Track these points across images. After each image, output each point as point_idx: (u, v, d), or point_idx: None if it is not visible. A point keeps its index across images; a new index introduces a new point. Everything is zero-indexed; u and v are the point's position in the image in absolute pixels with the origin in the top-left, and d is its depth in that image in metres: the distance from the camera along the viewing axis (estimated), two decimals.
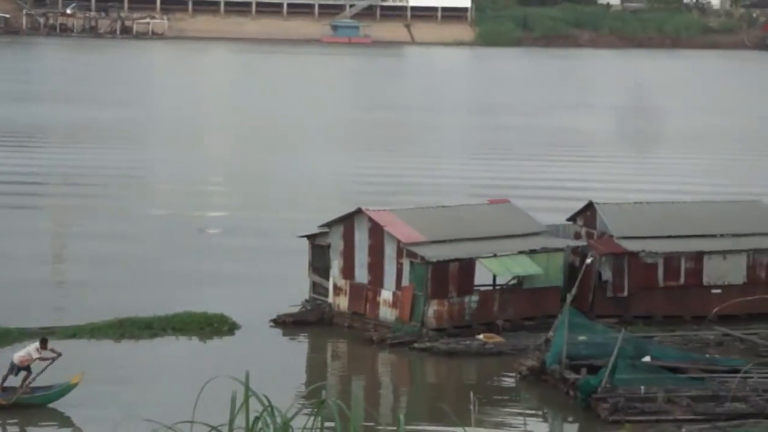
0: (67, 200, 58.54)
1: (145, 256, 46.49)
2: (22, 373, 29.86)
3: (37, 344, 30.36)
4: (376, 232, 38.06)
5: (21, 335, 34.88)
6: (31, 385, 29.83)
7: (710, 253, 39.90)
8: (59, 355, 30.07)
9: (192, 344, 36.24)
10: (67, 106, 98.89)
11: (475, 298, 37.52)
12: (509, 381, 33.47)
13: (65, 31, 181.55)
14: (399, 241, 37.37)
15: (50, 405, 29.82)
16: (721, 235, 40.71)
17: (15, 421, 29.32)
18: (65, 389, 29.65)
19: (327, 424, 8.59)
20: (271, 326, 37.93)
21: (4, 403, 29.41)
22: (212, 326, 37.18)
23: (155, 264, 45.22)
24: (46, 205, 57.62)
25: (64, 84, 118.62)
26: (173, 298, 39.15)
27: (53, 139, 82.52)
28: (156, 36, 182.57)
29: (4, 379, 29.82)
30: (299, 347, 37.45)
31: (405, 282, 37.19)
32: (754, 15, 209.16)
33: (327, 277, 39.29)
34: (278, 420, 8.47)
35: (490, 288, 38.82)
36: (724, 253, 40.00)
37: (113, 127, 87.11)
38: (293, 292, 39.45)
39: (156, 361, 34.51)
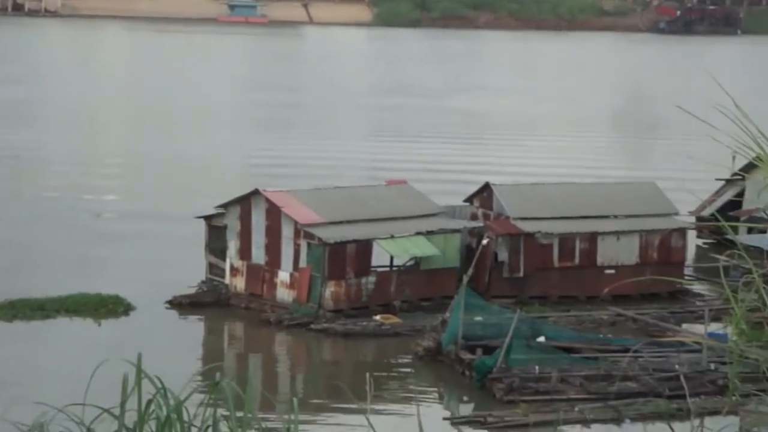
0: None
1: (38, 239, 45.81)
2: None
3: None
4: (274, 213, 37.93)
5: None
6: None
7: (604, 234, 40.44)
8: None
9: (86, 326, 35.82)
10: None
11: (372, 279, 37.58)
12: (406, 361, 33.61)
13: None
14: (296, 222, 37.28)
15: None
16: (615, 216, 41.28)
17: None
18: None
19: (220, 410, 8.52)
20: (167, 307, 37.64)
21: None
22: (107, 307, 36.78)
23: (49, 247, 44.60)
24: None
25: None
26: (67, 281, 38.64)
27: None
28: (49, 14, 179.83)
29: None
30: (195, 328, 37.21)
31: (302, 263, 37.13)
32: None
33: (224, 258, 39.07)
34: (171, 402, 8.37)
35: (388, 269, 38.92)
36: (617, 233, 40.56)
37: (4, 106, 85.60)
38: (190, 273, 39.17)
39: (49, 342, 34.03)
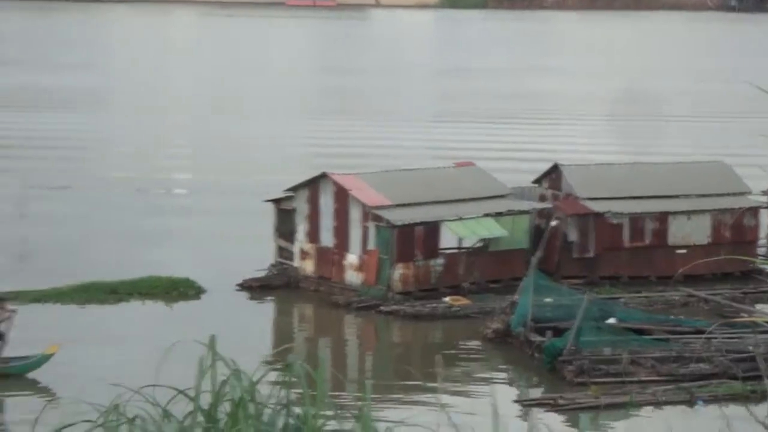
0: (29, 164, 57.93)
1: (108, 219, 46.25)
2: None
3: None
4: (342, 196, 38.00)
5: None
6: (9, 355, 29.52)
7: (675, 213, 40.09)
8: (13, 311, 29.82)
9: (158, 308, 36.14)
10: (25, 71, 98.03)
11: (440, 261, 37.55)
12: (475, 343, 33.57)
13: None
14: (364, 205, 37.33)
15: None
16: (686, 196, 40.90)
17: None
18: (41, 359, 29.45)
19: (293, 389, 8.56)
20: (237, 290, 37.88)
21: None
22: (178, 290, 37.09)
23: (119, 226, 45.01)
24: (8, 168, 57.04)
25: (20, 49, 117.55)
26: (139, 262, 39.00)
27: (14, 103, 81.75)
28: None
29: None
30: (265, 311, 37.43)
31: (371, 246, 37.18)
32: None
33: (292, 241, 39.22)
34: (244, 383, 8.43)
35: (456, 251, 38.86)
36: (688, 213, 40.20)
37: (76, 92, 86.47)
38: (259, 256, 39.35)
39: (122, 325, 34.38)
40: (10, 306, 30.30)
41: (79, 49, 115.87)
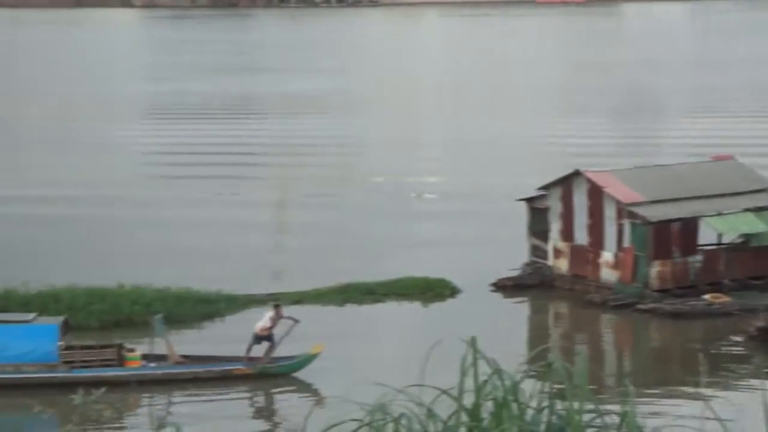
0: (288, 170, 59.55)
1: (365, 222, 47.05)
2: (266, 344, 30.53)
3: (271, 312, 31.04)
4: (595, 193, 37.61)
5: (249, 302, 35.78)
6: (274, 355, 30.43)
7: None
8: (297, 321, 30.67)
9: (414, 309, 36.56)
10: (283, 77, 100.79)
11: (699, 257, 36.71)
12: (738, 342, 32.65)
13: (283, 1, 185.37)
14: (619, 202, 36.84)
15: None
16: None
17: (260, 390, 30.07)
18: (307, 359, 30.18)
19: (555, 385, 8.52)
20: (491, 290, 37.95)
21: (249, 372, 30.13)
22: (434, 291, 37.41)
23: (375, 229, 45.69)
24: (267, 174, 58.70)
25: (279, 54, 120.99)
26: (393, 264, 39.52)
27: (271, 109, 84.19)
28: (371, 3, 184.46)
29: (249, 349, 30.51)
30: (521, 310, 37.38)
31: (626, 243, 36.67)
32: None
33: (546, 240, 39.05)
34: (506, 382, 8.43)
35: (715, 247, 37.91)
36: None
37: (329, 96, 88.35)
38: (512, 256, 39.31)
39: (380, 325, 34.93)
40: (293, 316, 31.10)
41: (333, 54, 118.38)
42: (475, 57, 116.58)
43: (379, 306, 36.56)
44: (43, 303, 33.76)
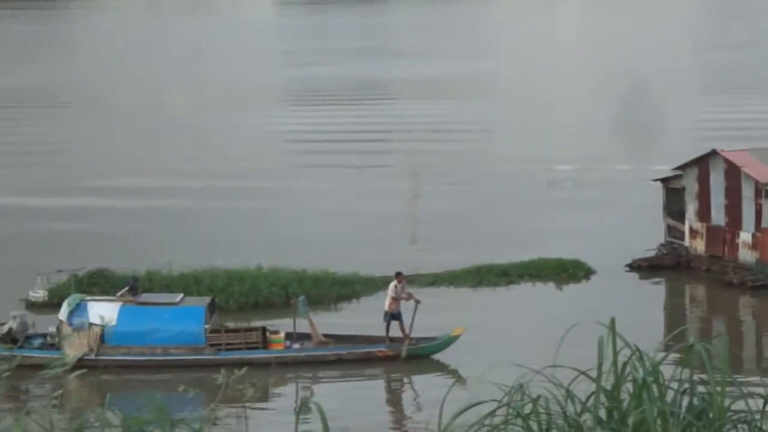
0: (420, 156, 59.46)
1: (498, 206, 46.97)
2: (396, 323, 30.77)
3: (394, 282, 31.23)
4: (733, 173, 37.06)
5: (384, 284, 36.00)
6: (415, 336, 30.51)
7: None
8: (418, 302, 30.80)
9: (549, 290, 36.49)
10: (418, 61, 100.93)
11: None
12: None
13: None
14: (757, 182, 36.25)
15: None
16: None
17: (398, 370, 30.37)
18: (448, 341, 30.32)
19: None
20: (626, 271, 37.68)
21: (391, 354, 30.39)
22: (568, 272, 37.29)
23: (508, 214, 45.61)
24: (400, 160, 58.77)
25: (413, 39, 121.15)
26: (527, 247, 39.42)
27: (405, 93, 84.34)
28: None
29: (387, 330, 30.80)
30: (657, 292, 37.05)
31: (765, 223, 36.07)
32: None
33: (682, 221, 38.62)
34: (646, 364, 8.46)
35: None
36: None
37: (461, 80, 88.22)
38: (647, 236, 38.95)
39: (515, 307, 34.94)
40: (415, 296, 31.17)
41: (467, 38, 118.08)
42: (611, 39, 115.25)
43: (513, 287, 36.57)
44: (184, 285, 34.49)
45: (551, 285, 36.78)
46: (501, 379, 9.03)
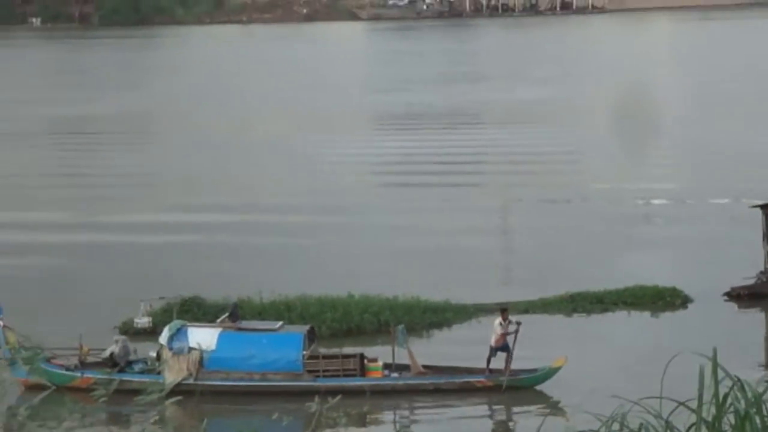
0: (510, 177, 59.13)
1: (590, 229, 46.48)
2: (502, 354, 30.48)
3: (499, 318, 30.97)
4: None
5: (477, 311, 35.83)
6: (516, 368, 30.21)
7: None
8: (519, 324, 30.48)
9: (644, 318, 35.97)
10: (505, 85, 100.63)
11: None
12: None
13: (507, 10, 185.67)
14: None
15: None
16: None
17: (497, 400, 30.11)
18: (549, 373, 29.86)
19: None
20: (724, 299, 37.04)
21: (490, 385, 30.09)
22: (664, 300, 36.73)
23: (601, 237, 45.14)
24: (490, 182, 58.53)
25: (501, 63, 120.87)
26: (621, 272, 38.94)
27: (492, 119, 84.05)
28: (596, 10, 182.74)
29: (488, 361, 30.46)
30: (757, 320, 36.35)
31: None
32: None
33: None
34: (748, 395, 8.23)
35: None
36: None
37: (551, 104, 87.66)
38: (746, 264, 38.24)
39: (610, 335, 34.48)
40: (514, 319, 31.05)
41: (557, 62, 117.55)
42: (707, 63, 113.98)
43: (608, 315, 36.11)
44: (277, 312, 34.57)
45: (647, 313, 36.25)
46: (598, 410, 8.86)
